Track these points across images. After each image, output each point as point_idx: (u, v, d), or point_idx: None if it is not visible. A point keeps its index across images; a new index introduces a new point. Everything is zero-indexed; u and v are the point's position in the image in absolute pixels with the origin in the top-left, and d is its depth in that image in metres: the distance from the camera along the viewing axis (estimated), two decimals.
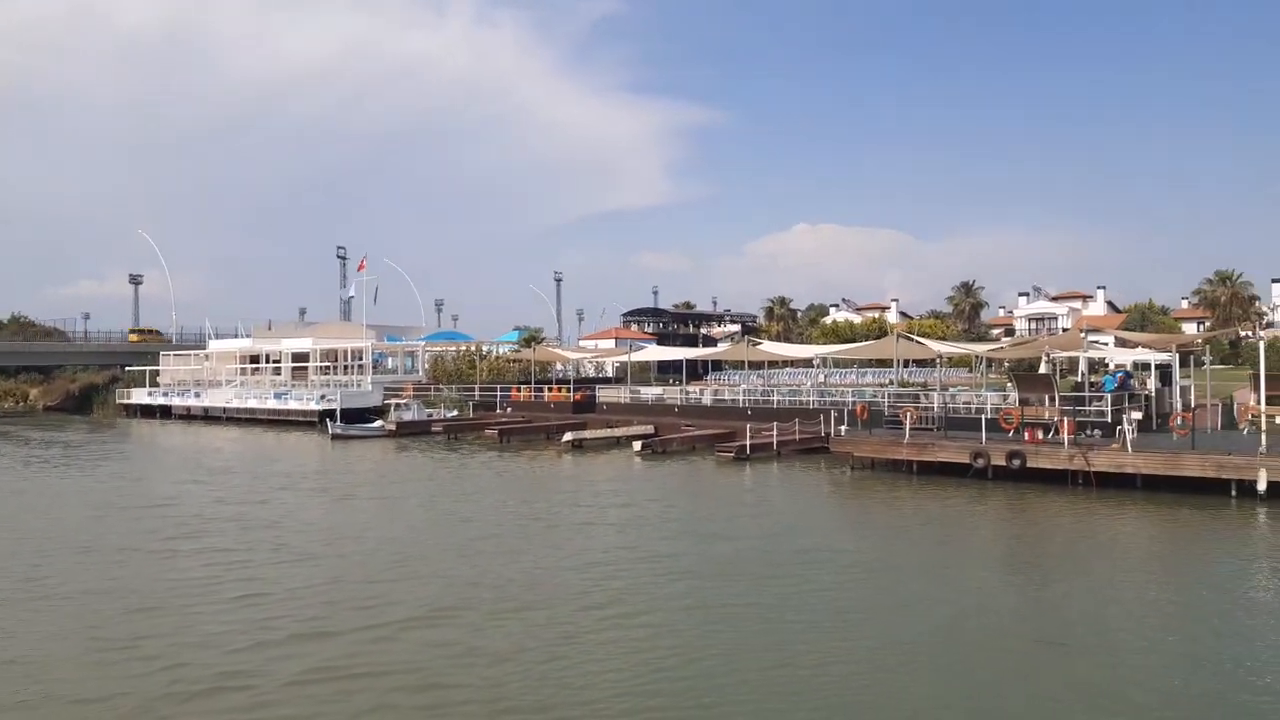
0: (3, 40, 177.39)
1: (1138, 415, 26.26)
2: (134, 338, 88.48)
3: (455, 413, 51.16)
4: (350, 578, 15.86)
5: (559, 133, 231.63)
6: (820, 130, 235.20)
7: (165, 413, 66.94)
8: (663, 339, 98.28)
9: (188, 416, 64.91)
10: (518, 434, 42.97)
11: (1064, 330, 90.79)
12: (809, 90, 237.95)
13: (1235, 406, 30.93)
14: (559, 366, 66.56)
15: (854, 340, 67.98)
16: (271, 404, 59.14)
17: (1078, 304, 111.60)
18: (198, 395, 65.93)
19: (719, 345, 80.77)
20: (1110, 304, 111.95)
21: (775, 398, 42.51)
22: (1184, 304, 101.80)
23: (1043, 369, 34.34)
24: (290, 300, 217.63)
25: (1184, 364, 32.27)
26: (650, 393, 50.01)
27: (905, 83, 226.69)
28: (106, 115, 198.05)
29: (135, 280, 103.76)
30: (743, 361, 54.19)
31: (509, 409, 51.08)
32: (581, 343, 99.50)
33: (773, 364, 57.59)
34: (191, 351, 77.43)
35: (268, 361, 68.59)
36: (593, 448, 38.64)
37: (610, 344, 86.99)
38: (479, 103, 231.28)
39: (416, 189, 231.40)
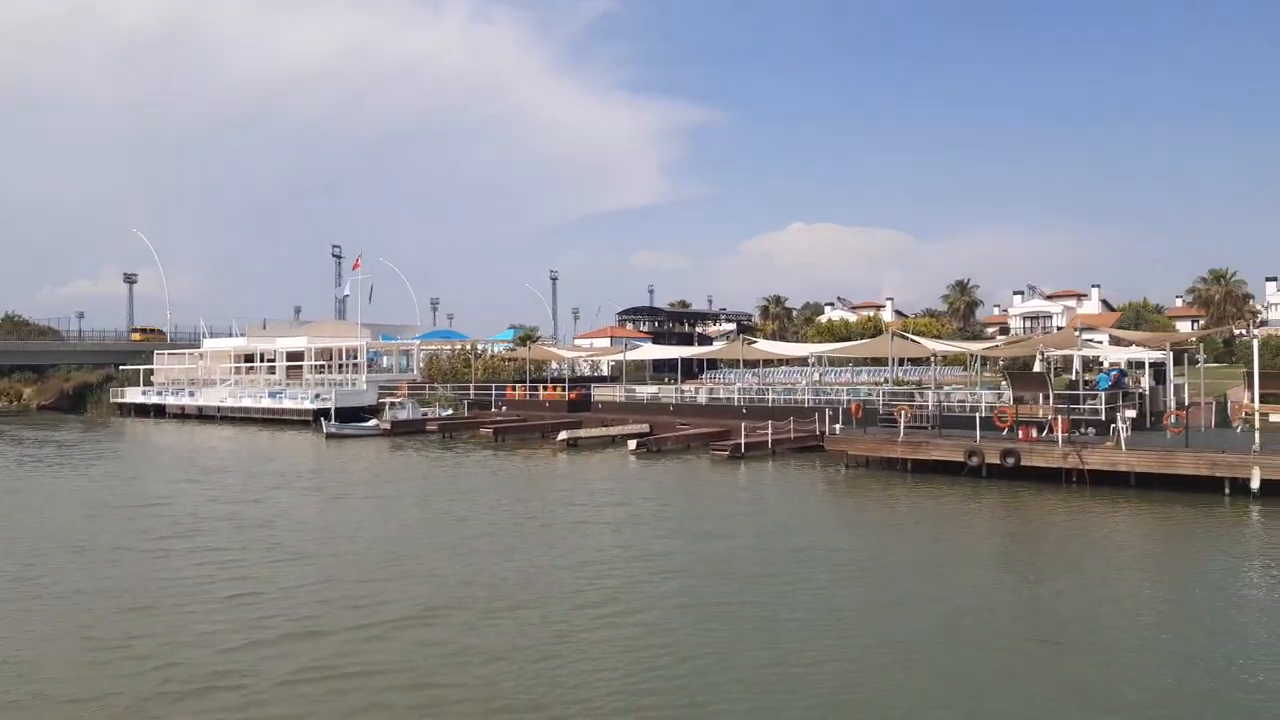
0: (2, 40, 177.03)
1: (1132, 413, 26.30)
2: (136, 337, 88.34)
3: (450, 412, 51.11)
4: (344, 577, 15.82)
5: (556, 132, 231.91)
6: (817, 129, 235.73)
7: (159, 412, 66.85)
8: (658, 338, 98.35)
9: (182, 416, 64.82)
10: (512, 433, 42.94)
11: (1058, 329, 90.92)
12: (807, 90, 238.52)
13: (1229, 405, 31.00)
14: (554, 365, 66.54)
15: (849, 339, 67.98)
16: (266, 403, 59.06)
17: (1072, 302, 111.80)
18: (192, 394, 65.82)
19: (714, 344, 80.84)
20: (1105, 302, 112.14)
21: (770, 396, 42.55)
22: (1178, 302, 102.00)
23: (1037, 367, 34.36)
24: (286, 299, 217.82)
25: (1178, 362, 32.32)
26: (645, 391, 50.03)
27: (904, 82, 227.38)
28: (106, 115, 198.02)
29: (130, 279, 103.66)
30: (738, 360, 54.24)
31: (504, 408, 51.05)
32: (577, 341, 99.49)
33: (768, 363, 57.62)
34: (186, 350, 77.27)
35: (262, 360, 68.48)
36: (588, 446, 38.62)
37: (606, 343, 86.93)
38: (476, 102, 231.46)
39: (413, 188, 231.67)
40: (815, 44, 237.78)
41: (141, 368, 72.78)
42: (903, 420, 28.91)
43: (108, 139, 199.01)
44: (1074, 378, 32.42)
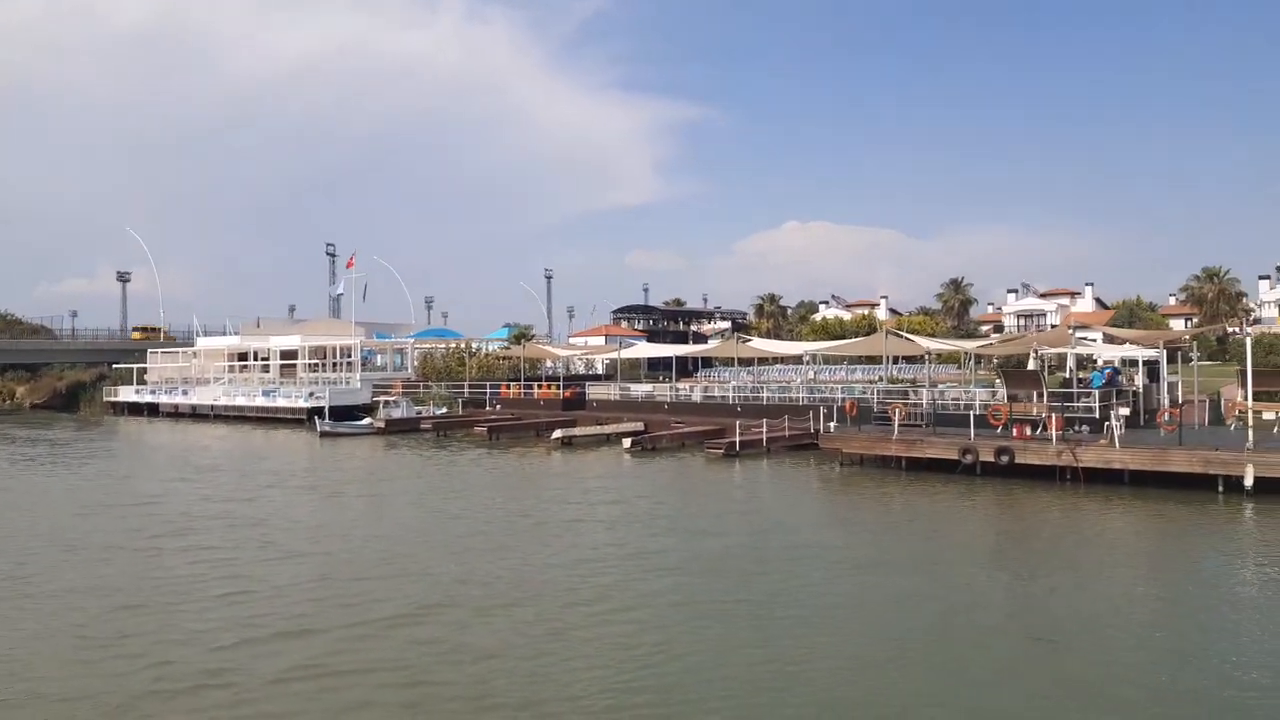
0: (1, 39, 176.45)
1: (1125, 411, 26.35)
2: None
3: (444, 410, 51.03)
4: (337, 575, 15.78)
5: (551, 131, 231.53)
6: (812, 128, 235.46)
7: (153, 410, 66.66)
8: (653, 336, 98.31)
9: (175, 414, 64.66)
10: (507, 431, 42.89)
11: (1053, 327, 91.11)
12: (802, 88, 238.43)
13: (1222, 402, 31.11)
14: (549, 364, 66.43)
15: (843, 337, 67.95)
16: (260, 401, 58.93)
17: (1066, 301, 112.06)
18: (185, 393, 65.66)
19: (709, 342, 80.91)
20: (1099, 301, 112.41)
21: (765, 394, 42.54)
22: (1172, 301, 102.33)
23: (1031, 365, 34.43)
24: (280, 298, 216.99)
25: (1171, 360, 32.40)
26: (640, 390, 50.01)
27: (900, 81, 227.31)
28: (103, 114, 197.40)
29: (123, 278, 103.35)
30: (732, 358, 54.26)
31: (498, 406, 50.97)
32: (572, 340, 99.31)
33: (762, 361, 57.60)
34: (179, 349, 77.08)
35: (256, 359, 68.32)
36: (582, 445, 38.59)
37: (600, 341, 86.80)
38: (471, 101, 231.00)
39: (408, 187, 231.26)
40: (809, 42, 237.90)
41: (135, 366, 72.58)
42: (897, 418, 28.93)
43: (105, 138, 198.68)
44: (1068, 376, 32.49)
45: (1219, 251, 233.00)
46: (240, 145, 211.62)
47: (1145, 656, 11.37)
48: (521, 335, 78.49)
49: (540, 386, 52.44)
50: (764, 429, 34.49)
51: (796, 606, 13.50)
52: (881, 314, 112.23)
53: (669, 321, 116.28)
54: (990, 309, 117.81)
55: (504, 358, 63.46)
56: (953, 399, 34.08)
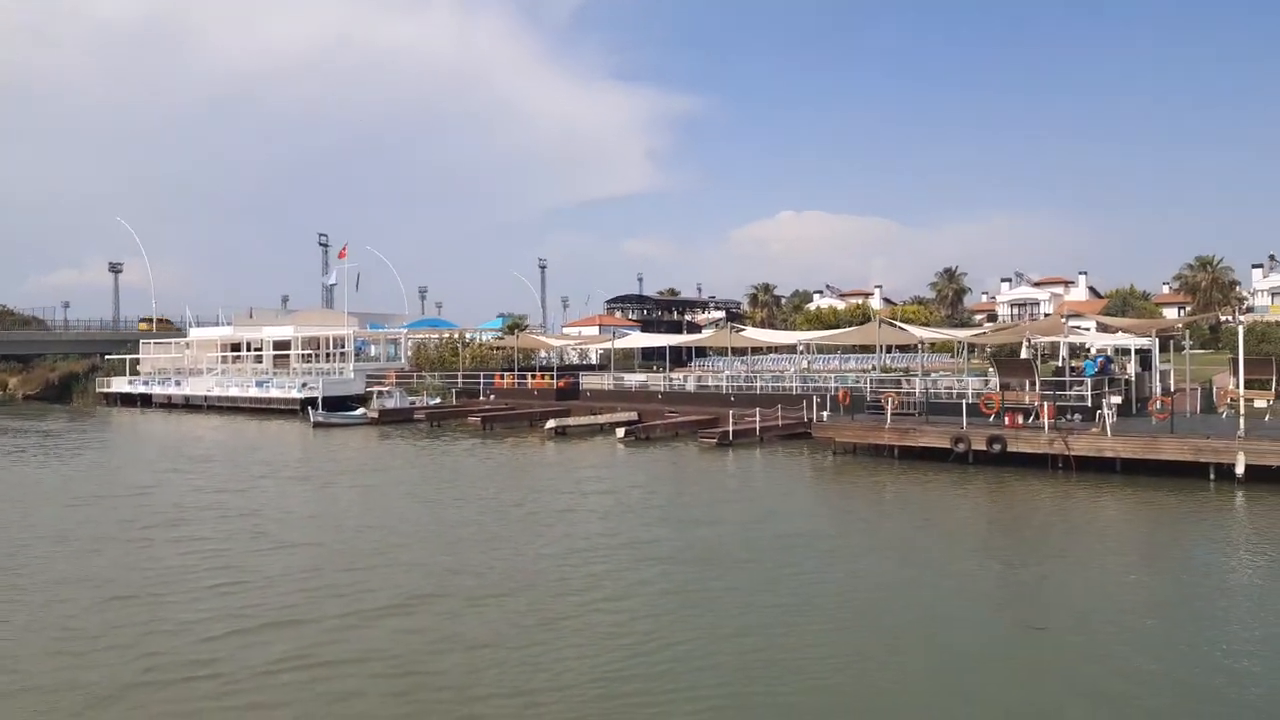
0: None
1: (1117, 400, 26.40)
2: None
3: (438, 400, 50.94)
4: (329, 566, 15.75)
5: (545, 120, 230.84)
6: (807, 117, 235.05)
7: (145, 401, 66.41)
8: (647, 326, 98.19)
9: (168, 405, 64.43)
10: (501, 421, 42.85)
11: (1046, 316, 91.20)
12: (797, 77, 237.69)
13: (1214, 391, 31.17)
14: (543, 354, 66.38)
15: (837, 326, 68.09)
16: (253, 392, 58.75)
17: (1059, 289, 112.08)
18: (178, 384, 65.41)
19: (703, 332, 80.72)
20: (1092, 289, 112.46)
21: (758, 384, 42.52)
22: (1165, 289, 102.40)
23: (1024, 354, 34.44)
24: (274, 288, 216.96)
25: (1164, 349, 32.45)
26: (634, 379, 49.94)
27: (897, 70, 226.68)
28: (90, 103, 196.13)
29: (115, 268, 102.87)
30: (726, 348, 54.21)
31: (492, 396, 50.90)
32: (565, 330, 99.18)
33: (756, 350, 57.63)
34: (172, 340, 76.82)
35: (249, 349, 68.11)
36: (576, 435, 38.58)
37: (594, 331, 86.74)
38: (463, 89, 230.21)
39: (402, 177, 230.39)
40: (804, 30, 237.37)
41: (128, 357, 72.32)
42: (890, 407, 28.97)
43: (96, 128, 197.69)
44: (1060, 364, 32.51)
45: (1212, 240, 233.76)
46: (232, 136, 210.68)
47: (1136, 644, 11.40)
48: (515, 325, 78.36)
49: (534, 376, 52.37)
50: (757, 418, 34.49)
51: (788, 595, 13.51)
52: (875, 303, 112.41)
53: (663, 311, 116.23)
54: (984, 298, 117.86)
55: (498, 348, 63.34)
56: (946, 388, 34.11)
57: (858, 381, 38.43)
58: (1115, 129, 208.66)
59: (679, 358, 67.95)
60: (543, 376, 51.95)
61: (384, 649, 11.22)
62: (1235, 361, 27.88)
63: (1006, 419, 26.82)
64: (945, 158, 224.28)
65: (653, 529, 18.80)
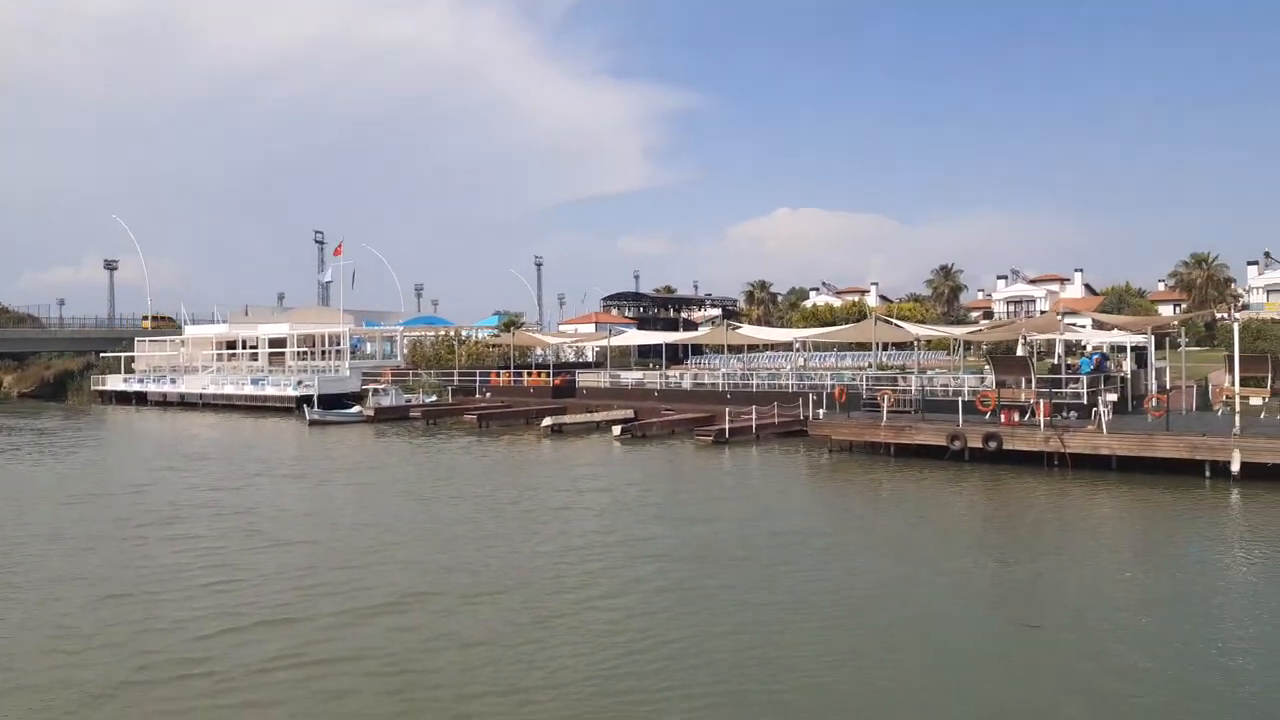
0: None
1: (1113, 397, 26.40)
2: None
3: (434, 398, 50.90)
4: (324, 564, 15.72)
5: (541, 117, 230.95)
6: (804, 114, 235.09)
7: (141, 399, 66.32)
8: (643, 323, 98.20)
9: (164, 403, 64.34)
10: (497, 419, 42.82)
11: (1041, 313, 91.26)
12: (793, 74, 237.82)
13: (1210, 388, 31.20)
14: (539, 351, 66.34)
15: (833, 324, 68.09)
16: (248, 390, 58.69)
17: (1055, 287, 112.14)
18: (174, 381, 65.31)
19: (699, 329, 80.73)
20: (1088, 286, 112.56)
21: (755, 381, 42.56)
22: (1160, 286, 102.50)
23: (1019, 352, 34.50)
24: (269, 286, 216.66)
25: (1159, 346, 32.50)
26: (630, 377, 49.96)
27: (893, 69, 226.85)
28: (86, 99, 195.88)
29: (110, 266, 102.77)
30: (723, 345, 54.21)
31: (488, 394, 50.88)
32: (561, 327, 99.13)
33: (752, 348, 57.67)
34: (167, 337, 76.66)
35: (244, 347, 68.03)
36: (572, 432, 38.55)
37: (590, 328, 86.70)
38: (460, 86, 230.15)
39: (398, 173, 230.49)
40: (801, 27, 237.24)
41: (123, 355, 72.18)
42: (886, 405, 28.97)
43: (90, 126, 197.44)
44: (1056, 362, 32.56)
45: (1210, 239, 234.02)
46: (226, 132, 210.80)
47: (1131, 642, 11.40)
48: (511, 323, 78.31)
49: (530, 374, 52.36)
50: (754, 416, 34.50)
51: (784, 593, 13.50)
52: (872, 300, 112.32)
53: (659, 309, 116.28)
54: (980, 295, 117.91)
55: (494, 345, 63.35)
56: (941, 385, 34.14)
57: (854, 379, 38.47)
58: (1114, 128, 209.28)
59: (675, 355, 67.96)
60: (539, 374, 51.95)
61: (378, 647, 11.20)
62: (1231, 359, 27.90)
63: (1002, 416, 26.83)
64: (942, 155, 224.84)
65: (648, 527, 18.78)
